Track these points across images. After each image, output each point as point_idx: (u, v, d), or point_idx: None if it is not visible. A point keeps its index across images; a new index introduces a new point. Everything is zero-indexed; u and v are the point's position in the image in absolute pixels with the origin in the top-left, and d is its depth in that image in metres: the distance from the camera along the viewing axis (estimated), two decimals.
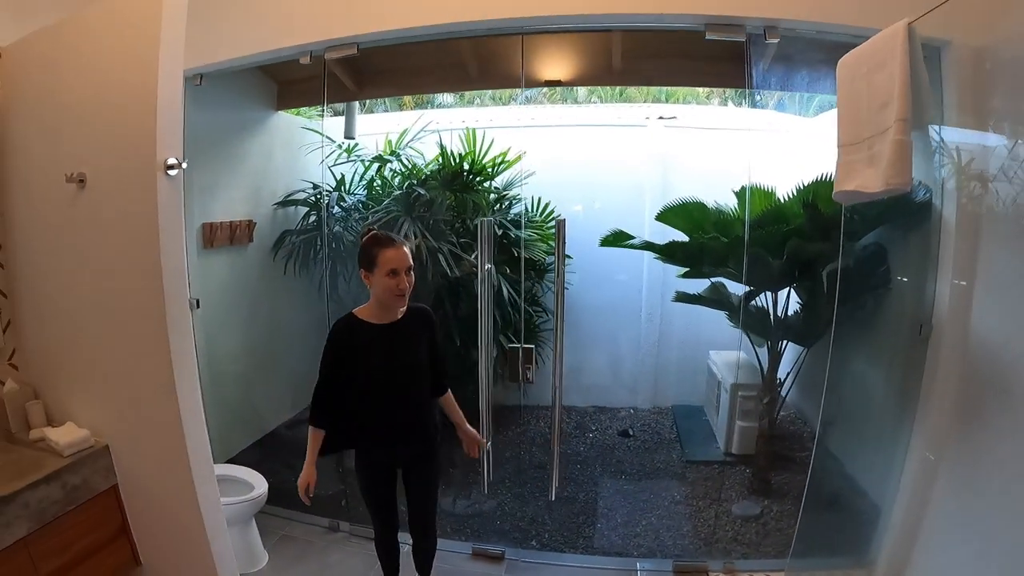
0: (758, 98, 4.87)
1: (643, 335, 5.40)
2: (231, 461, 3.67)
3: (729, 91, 5.78)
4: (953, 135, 2.56)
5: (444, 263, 4.06)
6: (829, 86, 2.56)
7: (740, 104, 5.66)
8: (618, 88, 6.34)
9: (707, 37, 2.70)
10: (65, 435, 2.27)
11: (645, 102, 5.76)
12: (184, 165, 2.03)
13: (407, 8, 2.78)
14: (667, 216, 4.06)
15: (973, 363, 2.56)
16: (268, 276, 4.38)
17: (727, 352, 4.89)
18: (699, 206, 3.93)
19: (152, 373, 2.17)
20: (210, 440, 2.37)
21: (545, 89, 6.05)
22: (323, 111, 4.24)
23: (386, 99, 6.34)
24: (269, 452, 4.20)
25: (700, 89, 6.09)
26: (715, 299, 4.24)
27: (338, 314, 3.74)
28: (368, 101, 5.73)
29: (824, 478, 3.86)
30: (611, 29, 3.43)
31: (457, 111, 5.38)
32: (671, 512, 3.79)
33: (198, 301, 3.31)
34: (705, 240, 3.79)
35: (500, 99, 6.74)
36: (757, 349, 4.13)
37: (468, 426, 2.63)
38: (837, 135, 2.29)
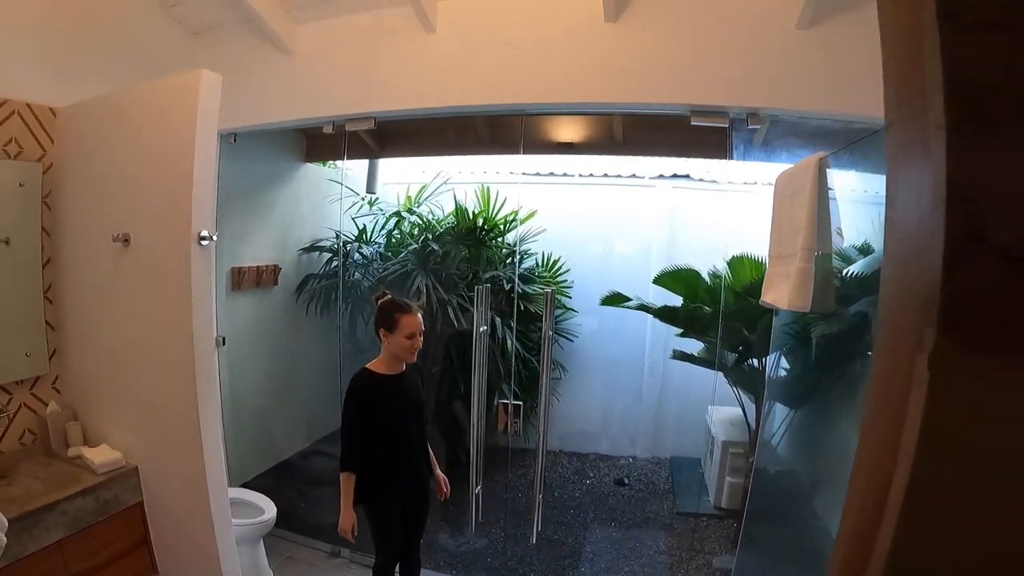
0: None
1: (646, 387, 5.60)
2: (245, 485, 3.95)
3: None
4: None
5: (452, 315, 4.35)
6: None
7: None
8: None
9: (692, 123, 2.95)
10: (100, 455, 2.58)
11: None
12: (215, 237, 2.37)
13: (418, 91, 3.15)
14: (664, 281, 4.32)
15: None
16: (291, 317, 4.73)
17: (724, 408, 5.05)
18: (693, 273, 4.18)
19: (179, 407, 2.48)
20: (227, 464, 2.66)
21: None
22: (342, 173, 4.58)
23: None
24: (281, 479, 4.48)
25: None
26: (709, 359, 4.45)
27: (353, 354, 4.05)
28: None
29: (805, 534, 4.00)
30: (605, 113, 3.73)
31: (475, 157, 5.58)
32: (654, 561, 3.97)
33: (224, 339, 3.63)
34: (693, 308, 4.03)
35: None
36: (749, 406, 4.32)
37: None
38: (768, 245, 2.49)
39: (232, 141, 3.59)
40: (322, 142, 4.72)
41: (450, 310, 4.35)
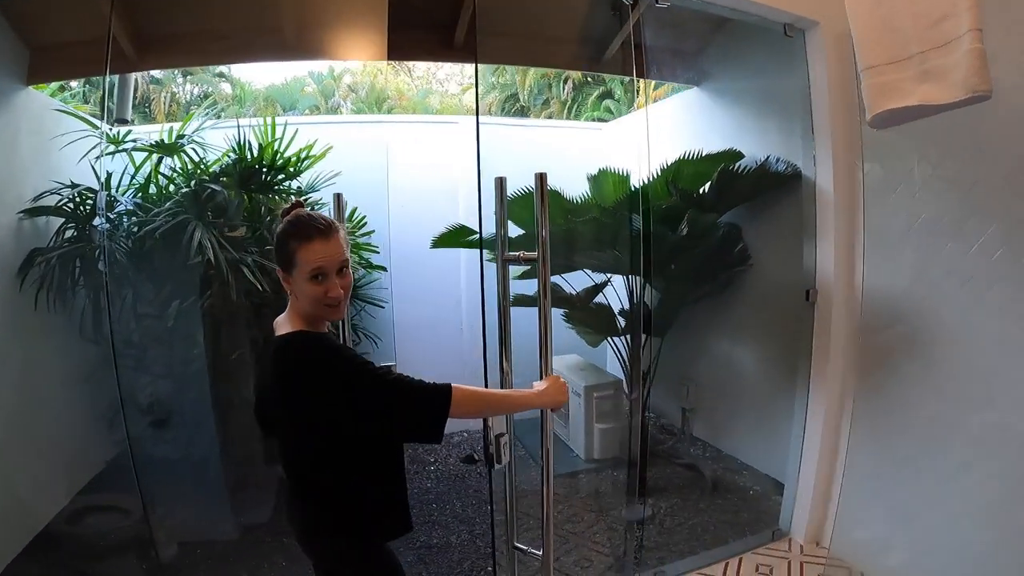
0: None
1: (466, 350, 4.96)
2: None
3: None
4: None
5: (251, 277, 3.30)
6: None
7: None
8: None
9: None
10: None
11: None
12: None
13: None
14: (510, 210, 3.72)
15: (872, 314, 2.72)
16: (14, 311, 3.12)
17: (567, 356, 4.68)
18: (552, 194, 3.63)
19: None
20: None
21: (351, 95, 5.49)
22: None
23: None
24: (47, 556, 2.99)
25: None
26: (557, 295, 3.98)
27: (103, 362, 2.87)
28: None
29: (706, 467, 3.85)
30: None
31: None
32: (565, 535, 3.35)
33: None
34: (578, 224, 3.50)
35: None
36: (611, 347, 4.07)
37: None
38: (859, 59, 2.18)
39: None
40: (52, 55, 3.19)
41: (246, 272, 3.29)
